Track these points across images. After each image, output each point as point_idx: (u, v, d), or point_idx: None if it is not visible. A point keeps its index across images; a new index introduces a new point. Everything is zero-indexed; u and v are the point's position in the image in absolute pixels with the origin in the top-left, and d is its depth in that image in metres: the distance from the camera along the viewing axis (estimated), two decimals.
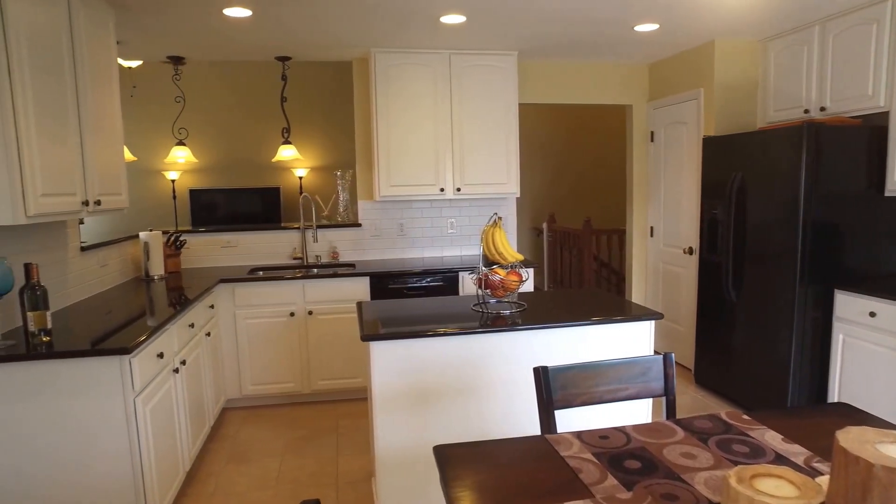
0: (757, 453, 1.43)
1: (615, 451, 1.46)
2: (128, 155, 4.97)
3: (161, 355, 2.65)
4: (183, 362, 3.00)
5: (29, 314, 2.40)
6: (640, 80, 5.21)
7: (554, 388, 1.60)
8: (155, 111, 7.31)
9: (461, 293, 4.34)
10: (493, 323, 2.52)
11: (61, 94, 2.57)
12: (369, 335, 2.35)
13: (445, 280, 4.30)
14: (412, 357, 2.43)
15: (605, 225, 8.28)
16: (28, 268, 2.43)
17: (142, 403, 2.38)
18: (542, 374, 1.59)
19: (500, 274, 2.64)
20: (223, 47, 4.29)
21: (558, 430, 2.55)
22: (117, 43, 4.15)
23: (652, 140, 5.16)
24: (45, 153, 2.41)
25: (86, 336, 2.52)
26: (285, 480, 3.17)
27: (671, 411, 1.82)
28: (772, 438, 1.50)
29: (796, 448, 1.45)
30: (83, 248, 3.51)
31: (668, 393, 1.82)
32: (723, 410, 3.94)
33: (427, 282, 4.29)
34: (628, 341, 2.64)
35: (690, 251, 4.58)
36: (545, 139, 8.20)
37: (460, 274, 4.32)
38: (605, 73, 5.16)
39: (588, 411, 2.64)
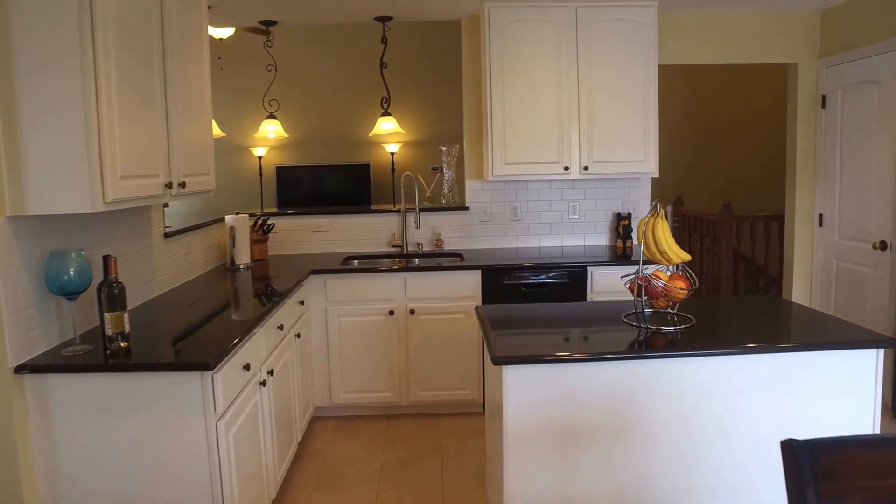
0: None
1: None
2: (216, 130, 4.87)
3: (247, 367, 2.42)
4: (271, 372, 2.78)
5: (106, 316, 2.22)
6: (807, 32, 4.52)
7: (817, 474, 1.15)
8: (244, 81, 7.28)
9: (589, 292, 3.92)
10: (664, 344, 2.10)
11: (147, 64, 2.39)
12: (504, 357, 2.00)
13: (571, 276, 3.89)
14: (557, 385, 2.06)
15: (748, 210, 7.50)
16: (106, 262, 2.26)
17: (225, 428, 2.15)
18: (792, 453, 1.16)
19: (662, 278, 2.21)
20: (319, 7, 4.04)
21: None
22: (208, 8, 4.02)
23: (824, 106, 4.48)
24: (127, 130, 2.22)
25: (166, 340, 2.33)
26: None
27: None
28: None
29: None
30: (167, 235, 3.39)
31: None
32: None
33: (549, 277, 3.89)
34: (842, 377, 2.13)
35: (883, 246, 3.91)
36: (668, 103, 7.50)
37: (589, 269, 3.89)
38: (761, 26, 4.51)
39: None
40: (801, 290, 4.78)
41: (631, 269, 3.90)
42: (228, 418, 2.20)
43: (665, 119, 7.76)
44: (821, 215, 4.60)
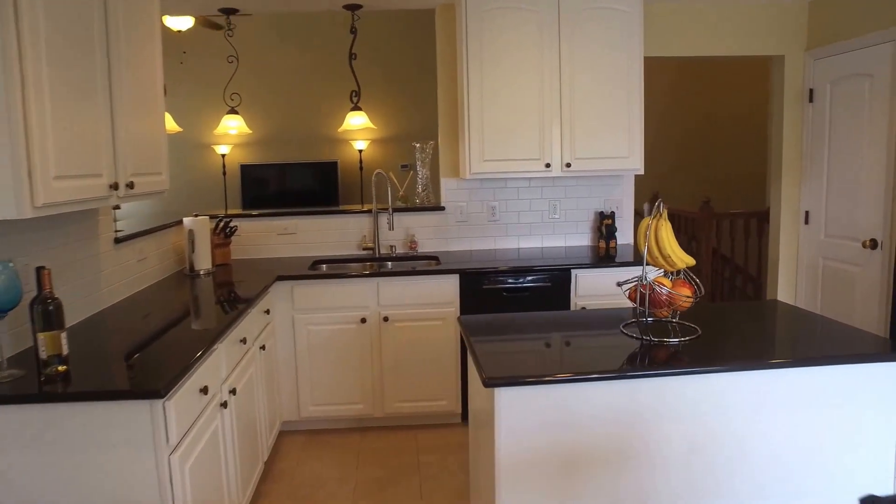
0: None
1: None
2: (171, 125, 4.58)
3: (205, 390, 2.17)
4: (233, 391, 2.54)
5: (40, 336, 1.95)
6: (795, 24, 4.41)
7: None
8: (204, 74, 6.96)
9: (573, 296, 3.73)
10: (672, 359, 1.91)
11: (86, 48, 2.12)
12: (496, 379, 1.78)
13: (554, 280, 3.70)
14: (555, 407, 1.85)
15: (727, 208, 7.43)
16: (39, 274, 1.99)
17: (179, 462, 1.91)
18: None
19: (666, 285, 2.03)
20: None
21: None
22: None
23: (811, 100, 4.37)
24: (62, 124, 1.95)
25: (112, 361, 2.07)
26: None
27: None
28: None
29: None
30: (118, 240, 3.11)
31: None
32: None
33: (531, 281, 3.70)
34: (869, 391, 1.97)
35: (874, 245, 3.81)
36: (647, 98, 7.41)
37: (573, 272, 3.71)
38: (747, 17, 4.38)
39: None
40: (786, 289, 4.68)
41: (616, 271, 3.74)
42: (183, 450, 1.95)
43: (645, 115, 7.66)
44: (807, 213, 4.49)
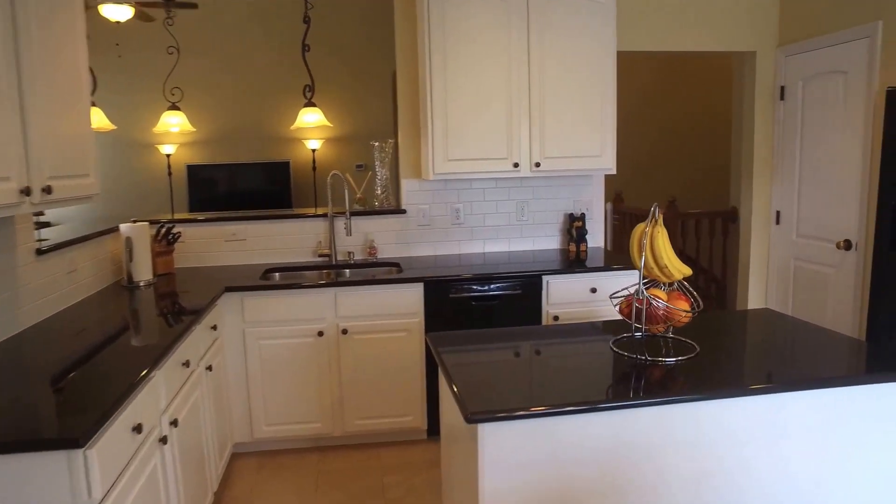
0: None
1: None
2: (103, 122, 4.21)
3: (139, 428, 1.88)
4: (174, 423, 2.24)
5: None
6: (766, 19, 4.31)
7: None
8: (143, 67, 6.54)
9: (545, 304, 3.54)
10: (673, 382, 1.71)
11: None
12: (480, 414, 1.55)
13: (524, 287, 3.50)
14: (546, 442, 1.63)
15: (689, 207, 7.38)
16: None
17: None
18: None
19: (662, 299, 1.83)
20: None
21: None
22: None
23: (783, 97, 4.28)
24: None
25: (24, 397, 1.76)
26: None
27: None
28: None
29: None
30: (41, 251, 2.77)
31: None
32: None
33: (500, 288, 3.48)
34: (881, 411, 1.82)
35: (847, 245, 3.72)
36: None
37: (544, 278, 3.51)
38: (719, 12, 4.26)
39: None
40: (756, 290, 4.58)
41: (590, 276, 3.55)
42: (112, 502, 1.66)
43: None
44: (778, 213, 4.40)
